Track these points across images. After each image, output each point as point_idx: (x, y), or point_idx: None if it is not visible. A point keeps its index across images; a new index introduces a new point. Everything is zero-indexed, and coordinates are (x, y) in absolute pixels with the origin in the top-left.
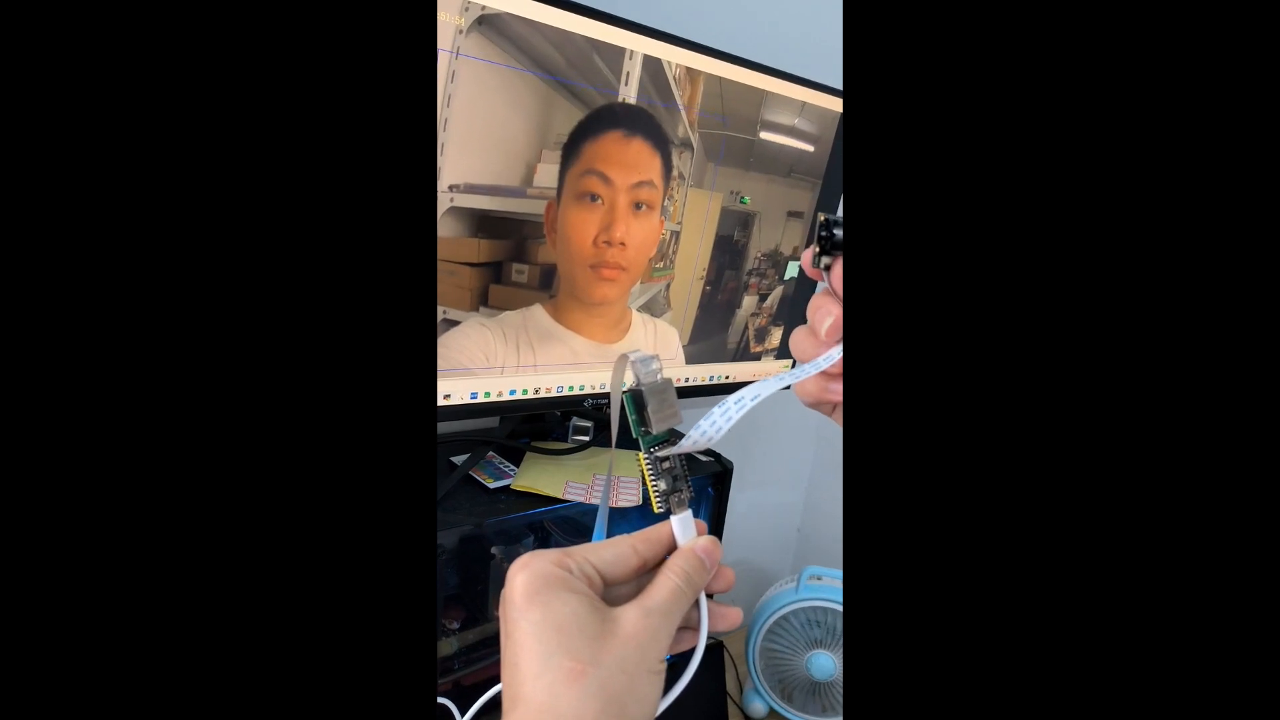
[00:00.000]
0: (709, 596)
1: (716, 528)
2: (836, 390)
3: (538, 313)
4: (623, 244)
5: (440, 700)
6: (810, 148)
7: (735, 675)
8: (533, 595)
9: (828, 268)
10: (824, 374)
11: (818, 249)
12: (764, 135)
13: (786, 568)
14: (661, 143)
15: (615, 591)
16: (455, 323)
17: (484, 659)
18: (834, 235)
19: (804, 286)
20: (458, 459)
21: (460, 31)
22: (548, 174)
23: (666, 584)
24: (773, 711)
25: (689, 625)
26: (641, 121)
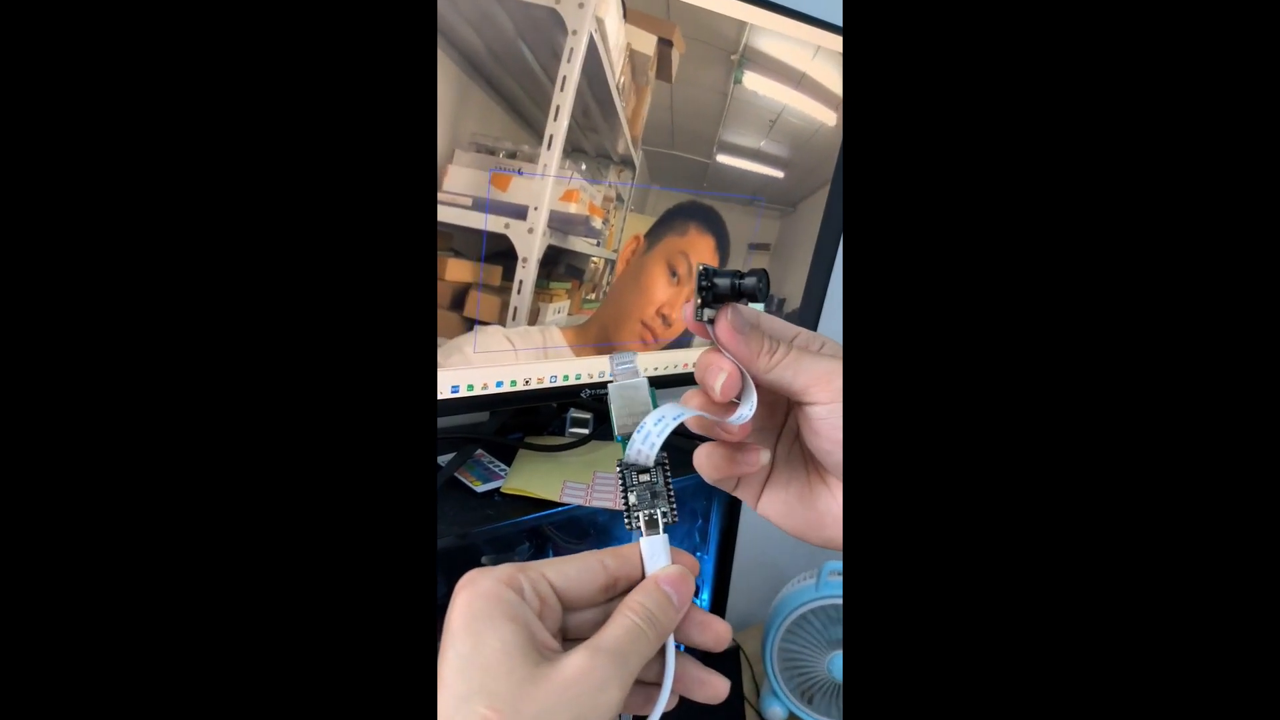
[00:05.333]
0: (699, 655)
1: (731, 521)
2: (746, 462)
3: (556, 336)
4: (670, 324)
5: None
6: (779, 174)
7: (752, 677)
8: (469, 622)
9: (711, 320)
10: (728, 445)
11: (699, 301)
12: (721, 159)
13: (804, 562)
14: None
15: (579, 617)
16: None
17: None
18: (715, 286)
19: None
20: (442, 459)
21: None
22: (461, 178)
23: (622, 622)
24: (792, 715)
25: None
26: (727, 243)
